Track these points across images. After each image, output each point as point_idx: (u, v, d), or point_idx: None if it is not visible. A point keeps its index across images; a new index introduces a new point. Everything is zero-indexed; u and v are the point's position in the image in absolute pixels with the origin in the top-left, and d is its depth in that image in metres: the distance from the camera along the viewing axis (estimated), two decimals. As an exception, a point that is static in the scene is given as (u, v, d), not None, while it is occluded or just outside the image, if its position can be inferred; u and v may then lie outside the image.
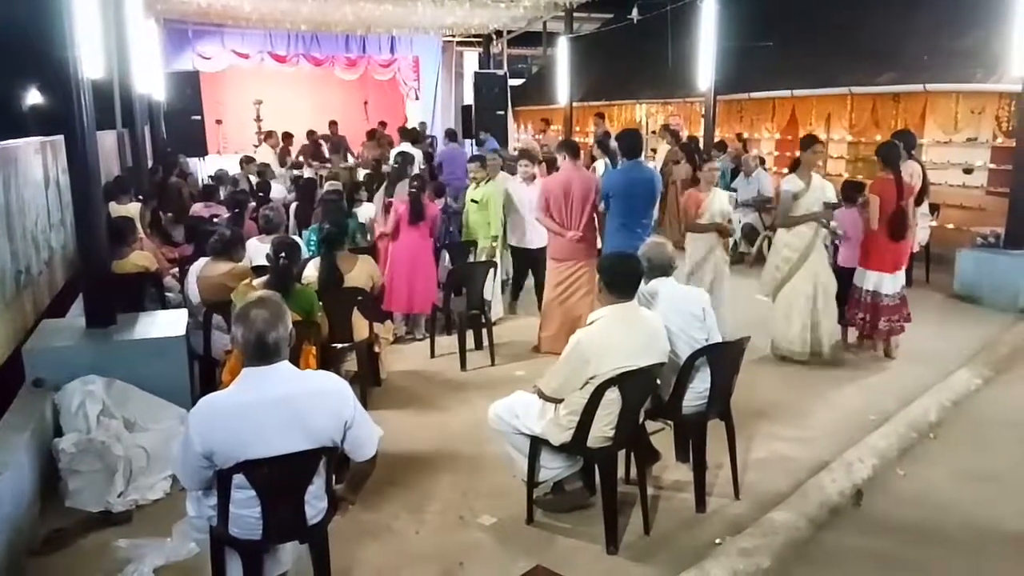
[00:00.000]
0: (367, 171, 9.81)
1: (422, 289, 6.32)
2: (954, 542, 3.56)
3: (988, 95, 8.50)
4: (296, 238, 5.70)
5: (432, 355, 6.15)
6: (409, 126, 14.32)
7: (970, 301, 7.52)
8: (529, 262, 7.08)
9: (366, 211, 7.27)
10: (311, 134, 13.91)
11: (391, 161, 9.37)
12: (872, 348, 6.08)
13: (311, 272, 5.08)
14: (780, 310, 5.91)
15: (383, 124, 14.66)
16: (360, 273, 5.12)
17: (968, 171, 9.41)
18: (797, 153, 6.49)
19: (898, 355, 5.96)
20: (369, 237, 7.07)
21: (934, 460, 4.36)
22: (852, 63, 10.09)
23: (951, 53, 9.03)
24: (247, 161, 10.49)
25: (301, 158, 12.84)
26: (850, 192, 6.24)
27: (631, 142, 5.84)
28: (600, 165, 8.80)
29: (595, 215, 5.91)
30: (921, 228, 7.37)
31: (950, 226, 9.14)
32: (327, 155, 13.14)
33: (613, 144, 7.43)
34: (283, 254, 4.16)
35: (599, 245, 6.05)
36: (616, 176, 5.97)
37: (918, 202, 6.64)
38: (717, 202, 6.07)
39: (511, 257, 7.30)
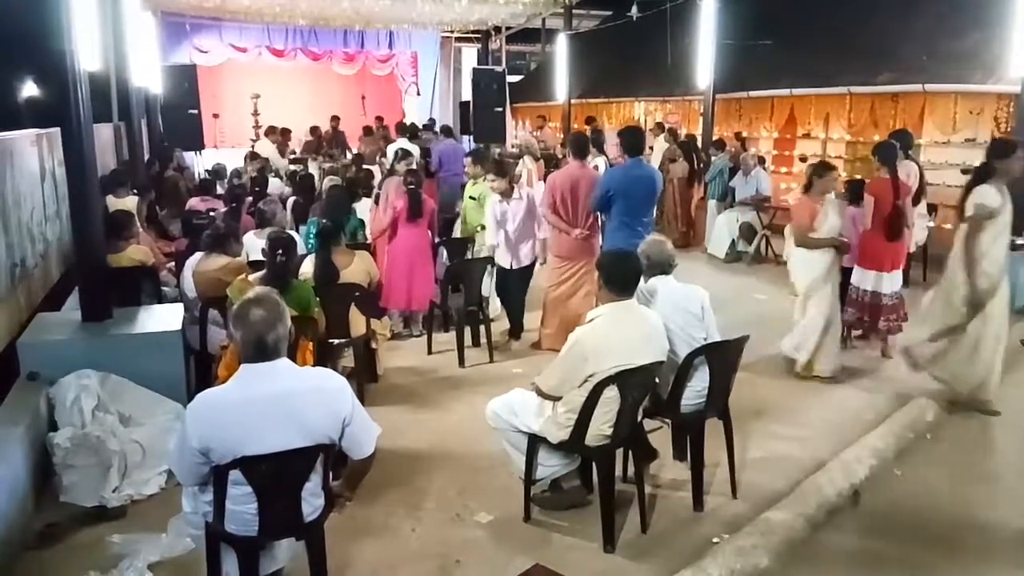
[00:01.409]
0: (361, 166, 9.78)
1: (421, 286, 6.30)
2: (951, 542, 3.56)
3: (987, 96, 8.50)
4: (293, 233, 5.68)
5: (430, 352, 6.14)
6: (407, 121, 14.28)
7: (967, 302, 7.50)
8: (506, 281, 6.48)
9: (365, 207, 7.25)
10: (314, 130, 13.88)
11: (388, 157, 9.37)
12: (884, 348, 6.07)
13: (308, 268, 5.06)
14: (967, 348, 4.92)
15: (379, 119, 14.60)
16: (357, 269, 5.11)
17: (966, 172, 9.38)
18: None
19: (895, 355, 5.96)
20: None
21: (931, 460, 4.36)
22: (851, 63, 10.08)
23: (950, 54, 9.03)
24: (252, 157, 10.44)
25: (304, 153, 12.84)
26: (856, 191, 6.21)
27: (632, 140, 5.80)
28: (600, 163, 8.78)
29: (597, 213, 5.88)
30: (919, 228, 7.36)
31: (948, 226, 9.11)
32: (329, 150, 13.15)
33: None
34: (279, 250, 4.13)
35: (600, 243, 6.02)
36: (616, 173, 5.94)
37: (915, 202, 6.63)
38: (833, 213, 5.44)
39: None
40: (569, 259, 5.95)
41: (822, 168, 5.68)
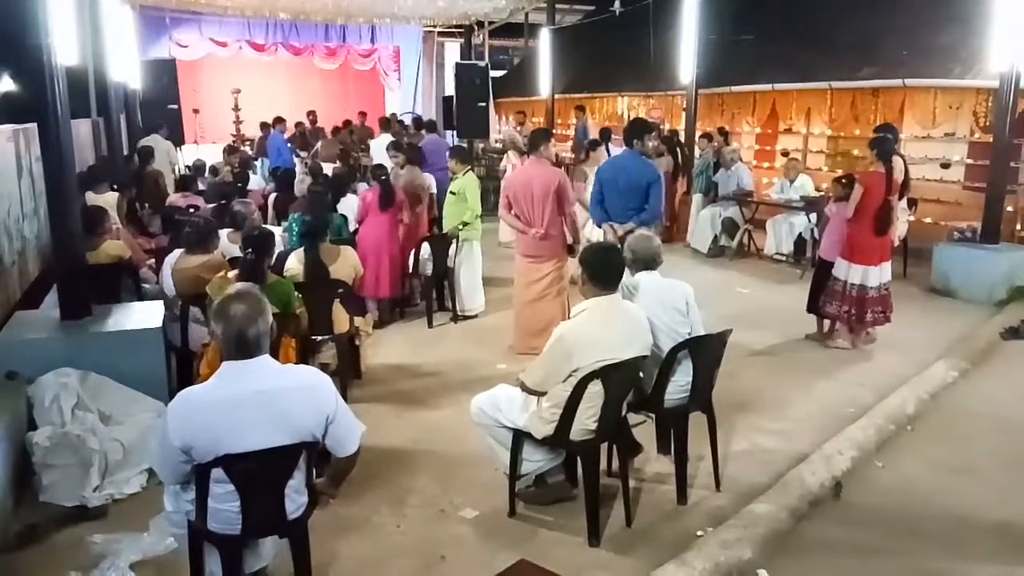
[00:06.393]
0: (335, 165, 9.73)
1: (387, 274, 6.53)
2: (932, 532, 3.60)
3: (966, 91, 8.58)
4: (271, 228, 5.63)
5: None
6: (399, 117, 14.24)
7: (947, 295, 7.61)
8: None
9: (349, 204, 7.23)
10: (299, 125, 13.80)
11: (373, 153, 9.31)
12: (855, 340, 6.11)
13: (294, 264, 5.03)
14: None
15: (347, 123, 14.44)
16: (343, 265, 5.11)
17: (946, 166, 9.51)
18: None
19: (876, 348, 6.02)
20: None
21: (912, 452, 4.41)
22: (832, 58, 10.14)
23: (930, 49, 9.10)
24: (230, 151, 10.35)
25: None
26: (845, 186, 6.19)
27: (629, 130, 5.83)
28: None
29: (564, 213, 5.70)
30: (900, 222, 7.43)
31: (928, 220, 9.23)
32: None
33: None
34: (249, 250, 4.10)
35: (569, 242, 5.82)
36: (606, 164, 5.89)
37: (900, 196, 6.68)
38: None
39: None
40: (533, 257, 5.76)
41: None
